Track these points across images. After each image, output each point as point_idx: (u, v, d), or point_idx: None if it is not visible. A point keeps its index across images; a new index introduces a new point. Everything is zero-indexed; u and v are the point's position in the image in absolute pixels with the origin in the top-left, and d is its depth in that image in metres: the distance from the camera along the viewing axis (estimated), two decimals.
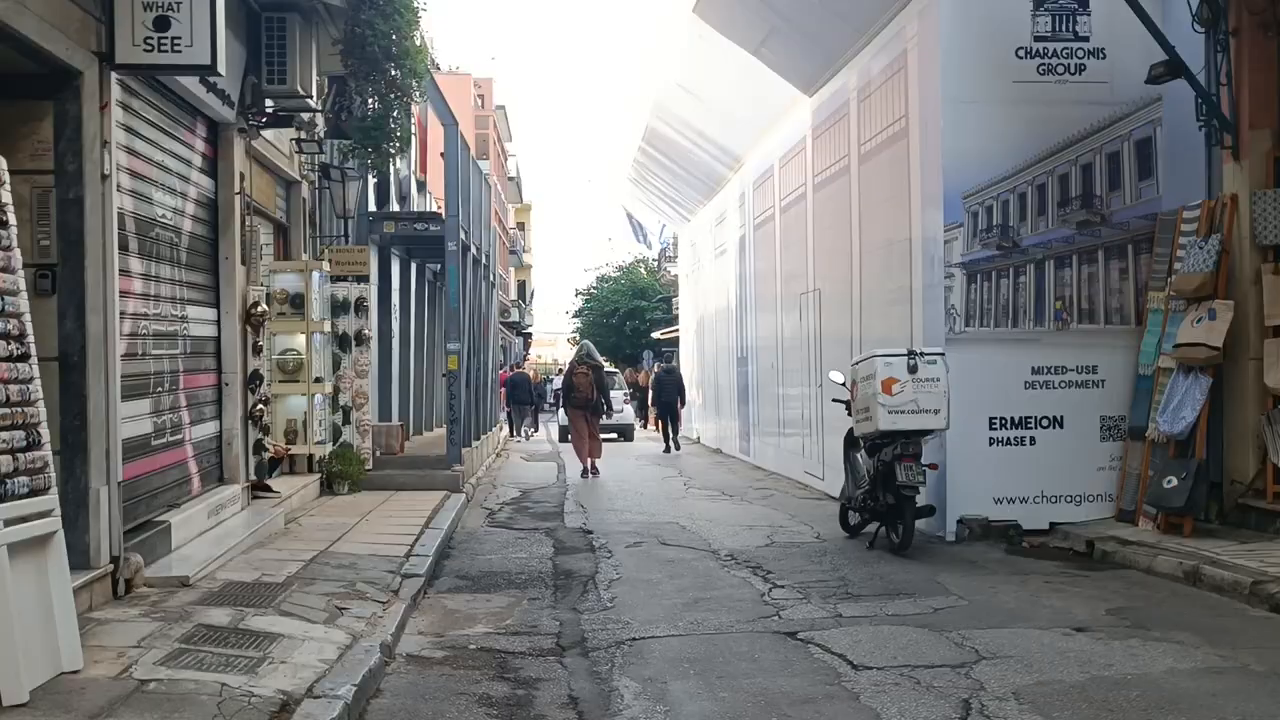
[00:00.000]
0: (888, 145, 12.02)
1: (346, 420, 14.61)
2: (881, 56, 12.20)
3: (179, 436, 8.97)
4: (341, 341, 14.56)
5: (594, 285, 55.39)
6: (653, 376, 27.02)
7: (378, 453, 15.12)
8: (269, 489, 11.35)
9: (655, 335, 41.43)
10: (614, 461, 21.36)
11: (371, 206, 16.42)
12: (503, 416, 28.57)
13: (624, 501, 14.19)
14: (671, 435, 23.66)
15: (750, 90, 16.77)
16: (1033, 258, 10.52)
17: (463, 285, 16.07)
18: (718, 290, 24.04)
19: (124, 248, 7.70)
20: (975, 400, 10.20)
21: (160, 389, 8.49)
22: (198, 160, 9.67)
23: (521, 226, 74.24)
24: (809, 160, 15.45)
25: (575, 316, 57.79)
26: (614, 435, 26.04)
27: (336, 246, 14.66)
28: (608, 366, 19.41)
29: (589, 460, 17.34)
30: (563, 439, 25.45)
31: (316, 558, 8.91)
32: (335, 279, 14.53)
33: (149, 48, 7.05)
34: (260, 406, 10.80)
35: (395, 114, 10.98)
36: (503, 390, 28.27)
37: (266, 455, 11.11)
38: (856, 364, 10.11)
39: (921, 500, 9.77)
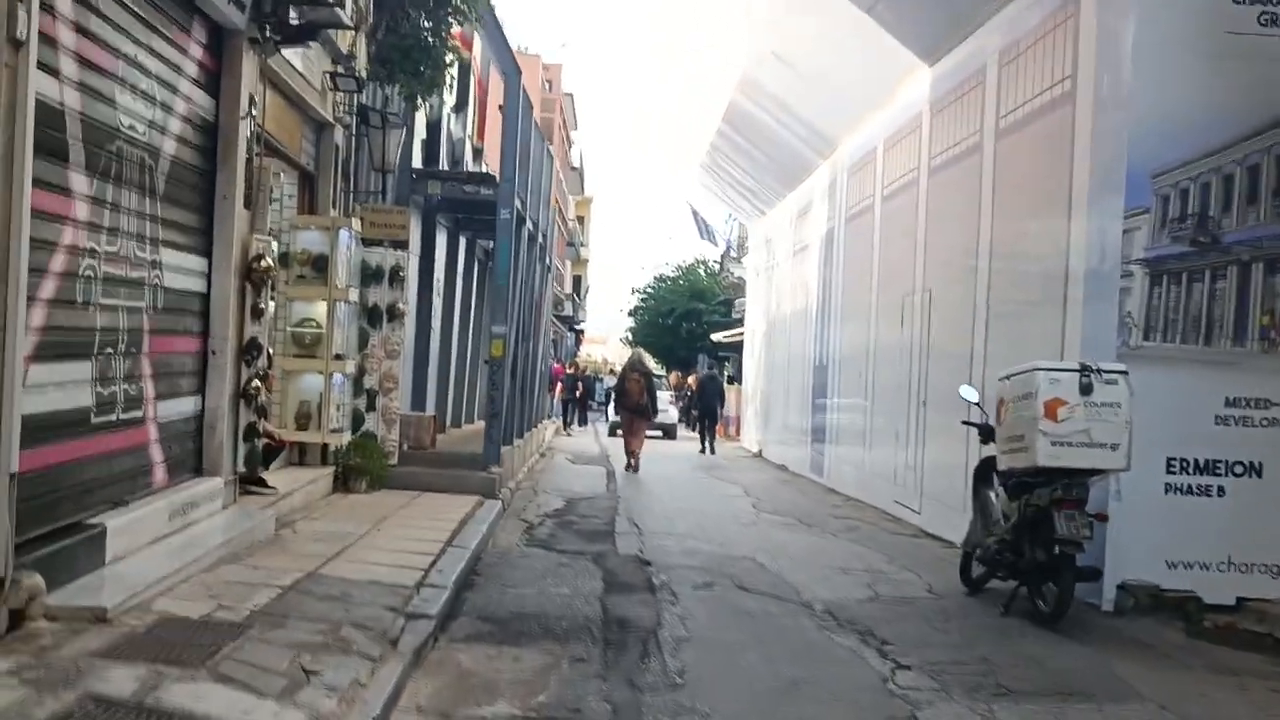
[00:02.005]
0: (1041, 115, 9.81)
1: (371, 406, 12.63)
2: (1038, 7, 9.99)
3: (137, 414, 6.97)
4: (371, 315, 12.58)
5: (651, 285, 53.32)
6: (699, 381, 28.48)
7: (405, 446, 13.13)
8: (264, 484, 9.38)
9: (716, 338, 39.21)
10: (666, 468, 19.47)
11: (417, 164, 14.43)
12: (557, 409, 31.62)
13: (685, 523, 12.08)
14: (709, 438, 24.89)
15: (856, 59, 14.60)
16: (1236, 258, 8.24)
17: (514, 261, 14.05)
18: (794, 291, 21.85)
19: (59, 155, 5.73)
20: (1151, 435, 7.87)
21: (110, 351, 6.49)
22: (191, 69, 7.68)
23: (581, 220, 72.42)
24: (924, 140, 13.25)
25: (630, 315, 55.76)
26: (659, 433, 27.32)
27: (372, 205, 12.68)
28: (657, 371, 19.83)
29: (633, 458, 18.38)
30: (611, 433, 29.22)
31: (300, 582, 6.89)
32: (368, 243, 12.56)
33: None
34: (257, 383, 8.80)
35: (443, 33, 8.91)
36: (560, 384, 31.39)
37: (261, 443, 9.11)
38: (1007, 378, 7.90)
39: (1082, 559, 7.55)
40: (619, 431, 22.91)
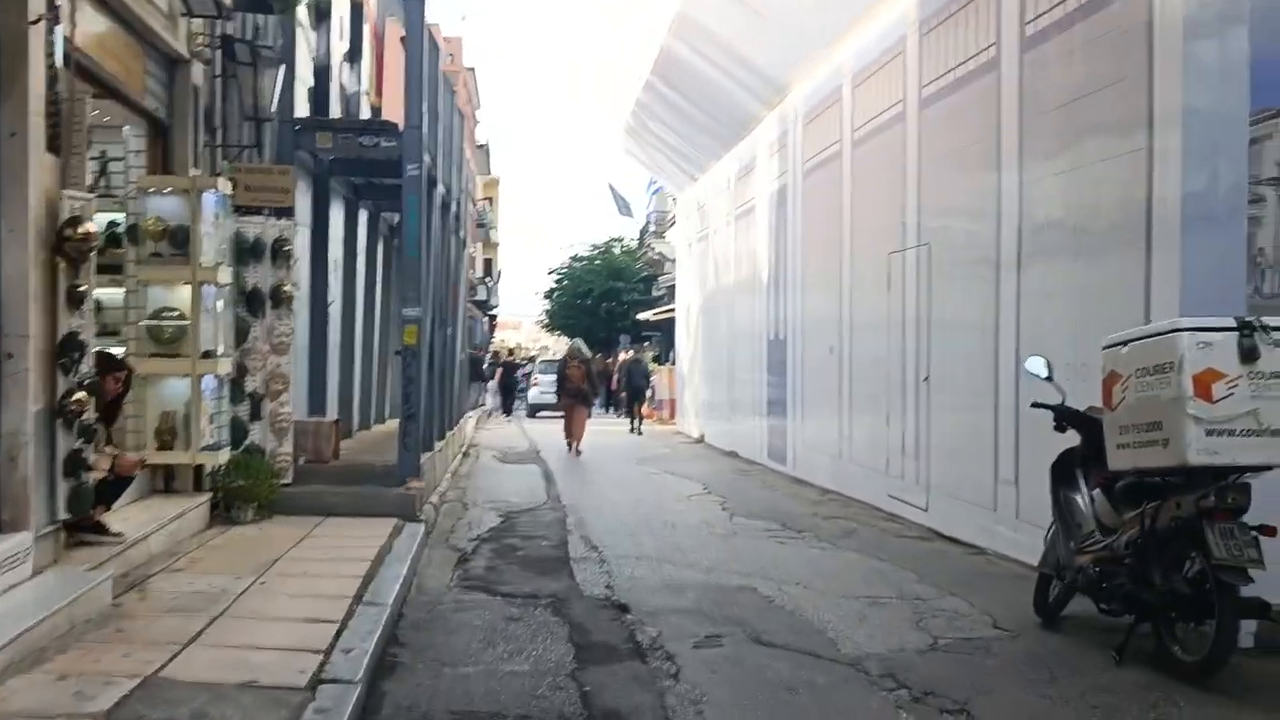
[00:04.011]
0: (1095, 8, 7.75)
1: (256, 414, 10.22)
2: None
3: None
4: (250, 301, 10.17)
5: (567, 266, 50.87)
6: (624, 364, 29.27)
7: (301, 461, 10.72)
8: (104, 529, 6.97)
9: (642, 316, 37.06)
10: (607, 461, 17.45)
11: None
12: (493, 400, 34.39)
13: (653, 539, 9.87)
14: (637, 419, 25.71)
15: None
16: None
17: (427, 230, 11.67)
18: (737, 259, 19.71)
19: None
20: None
21: None
22: None
23: (490, 201, 69.59)
24: (911, 67, 11.16)
25: (546, 298, 53.25)
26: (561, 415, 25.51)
27: (246, 164, 10.22)
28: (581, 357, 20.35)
29: (576, 442, 18.90)
30: (531, 415, 32.50)
31: (132, 695, 4.54)
32: (244, 211, 10.14)
33: None
34: (80, 395, 6.39)
35: None
36: (501, 371, 34.58)
37: (92, 476, 6.68)
38: (1121, 345, 5.75)
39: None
40: (539, 414, 26.47)
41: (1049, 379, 6.76)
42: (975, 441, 9.60)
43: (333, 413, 13.19)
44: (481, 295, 58.28)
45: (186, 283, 8.89)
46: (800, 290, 15.45)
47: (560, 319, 49.99)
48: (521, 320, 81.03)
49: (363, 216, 15.44)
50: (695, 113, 19.64)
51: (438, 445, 13.14)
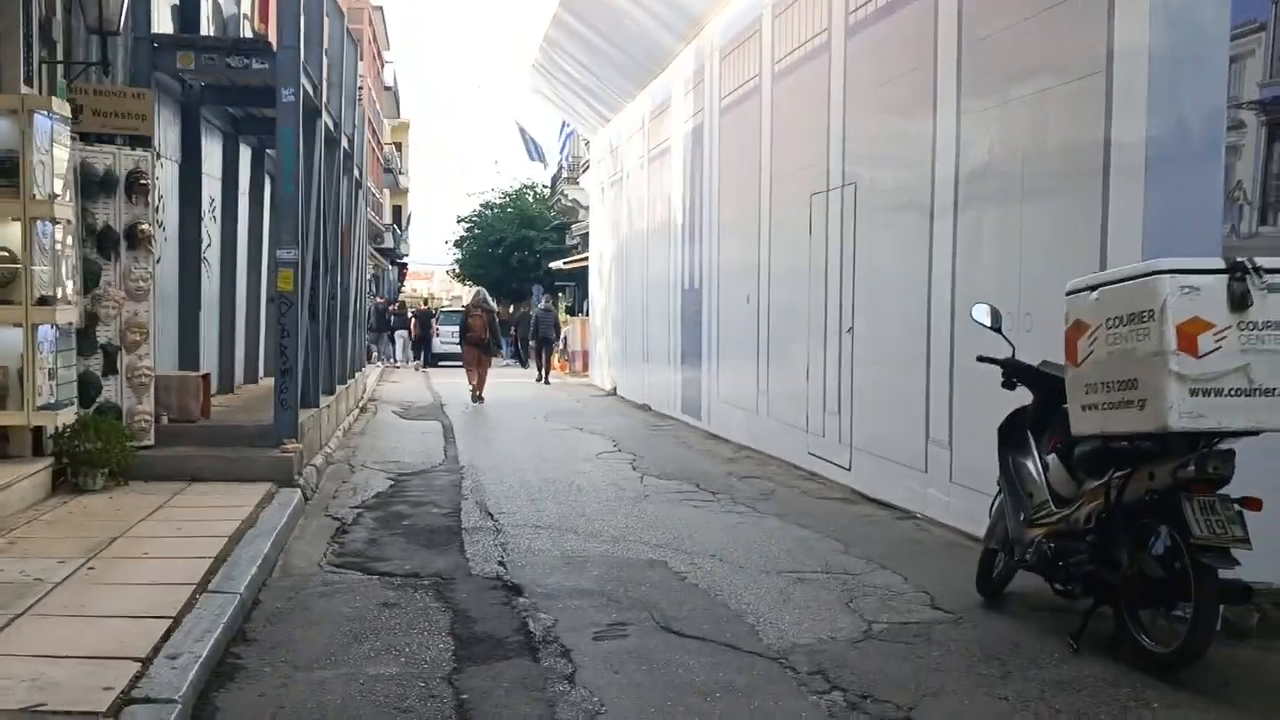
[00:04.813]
0: None
1: (111, 369, 9.11)
2: None
3: None
4: (101, 241, 9.04)
5: (477, 212, 49.34)
6: (534, 315, 29.12)
7: (164, 420, 9.62)
8: None
9: (554, 265, 36.00)
10: (512, 415, 16.53)
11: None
12: (404, 351, 34.24)
13: (555, 504, 9.01)
14: (545, 368, 26.00)
15: None
16: None
17: (307, 164, 10.57)
18: (652, 203, 18.80)
19: None
20: None
21: None
22: None
23: (399, 146, 67.53)
24: None
25: (456, 246, 51.66)
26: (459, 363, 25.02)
27: (95, 85, 9.02)
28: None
29: (478, 390, 19.24)
30: (428, 364, 32.42)
31: None
32: (92, 139, 8.96)
33: None
34: None
35: None
36: (415, 320, 33.97)
37: None
38: (1090, 290, 4.94)
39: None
40: (441, 363, 28.76)
41: (996, 329, 5.99)
42: (904, 398, 8.87)
43: (209, 366, 12.07)
44: (390, 243, 56.75)
45: (16, 219, 7.73)
46: (716, 236, 14.61)
47: (471, 268, 48.57)
48: (434, 270, 79.14)
49: (245, 153, 14.19)
50: (607, 48, 18.59)
51: (325, 401, 12.10)
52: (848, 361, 10.12)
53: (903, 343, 8.90)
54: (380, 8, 55.73)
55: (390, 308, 36.64)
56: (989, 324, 6.02)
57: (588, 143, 29.26)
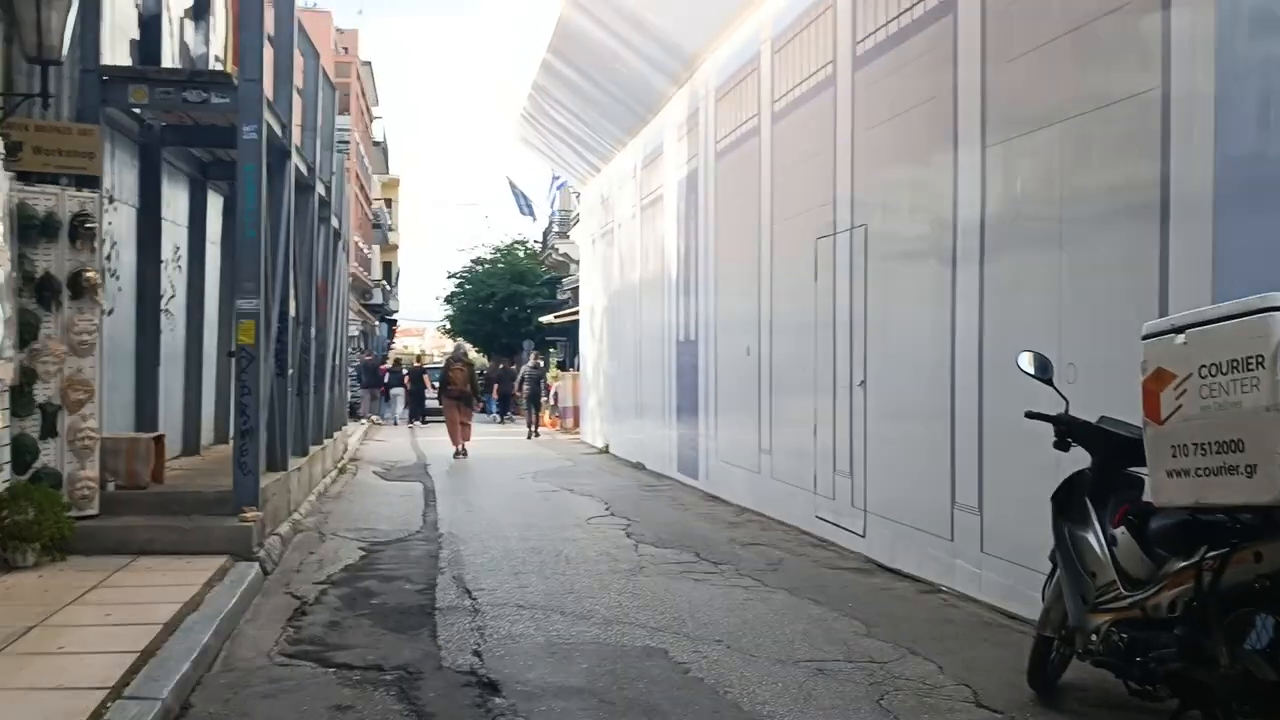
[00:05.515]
0: None
1: (50, 431, 8.26)
2: None
3: None
4: (41, 290, 8.22)
5: (468, 269, 48.73)
6: (524, 371, 30.42)
7: (111, 486, 8.76)
8: None
9: (545, 320, 35.31)
10: (499, 474, 15.54)
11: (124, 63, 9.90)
12: (396, 409, 33.69)
13: (541, 579, 8.13)
14: (534, 423, 27.10)
15: None
16: None
17: (275, 210, 9.79)
18: (644, 253, 18.07)
19: None
20: None
21: None
22: None
23: (389, 202, 67.10)
24: (844, 21, 9.63)
25: (447, 302, 50.97)
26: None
27: (35, 119, 8.26)
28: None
29: (461, 444, 19.27)
30: (420, 419, 32.07)
31: None
32: (33, 179, 8.19)
33: None
34: None
35: None
36: (408, 376, 33.64)
37: None
38: (1173, 333, 4.11)
39: None
40: (426, 418, 29.70)
41: (1046, 380, 5.17)
42: (925, 459, 8.06)
43: (171, 427, 11.21)
44: (379, 299, 56.10)
45: None
46: (713, 285, 13.85)
47: (461, 324, 47.87)
48: (425, 326, 78.40)
49: (215, 200, 13.41)
50: (597, 94, 17.95)
51: (295, 464, 11.23)
52: (860, 417, 9.30)
53: (923, 397, 8.10)
54: (369, 63, 55.61)
55: (381, 367, 35.82)
56: (1037, 374, 5.20)
57: (578, 195, 28.66)
